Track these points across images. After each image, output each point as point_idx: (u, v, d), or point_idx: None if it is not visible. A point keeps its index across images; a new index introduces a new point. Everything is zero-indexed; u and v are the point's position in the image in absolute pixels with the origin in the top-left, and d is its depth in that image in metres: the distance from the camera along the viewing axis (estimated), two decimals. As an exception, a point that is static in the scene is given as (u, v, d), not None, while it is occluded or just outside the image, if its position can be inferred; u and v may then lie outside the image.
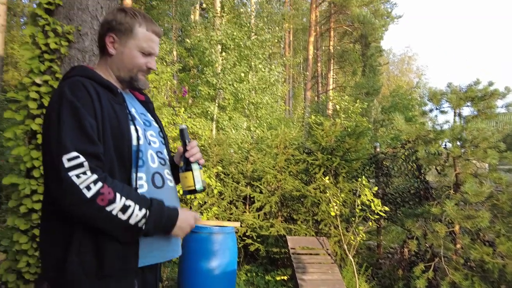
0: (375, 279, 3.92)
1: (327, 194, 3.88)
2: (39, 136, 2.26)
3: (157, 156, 1.20)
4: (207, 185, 1.14)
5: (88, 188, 0.95)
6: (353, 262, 3.45)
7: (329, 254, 3.65)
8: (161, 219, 1.07)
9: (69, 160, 0.95)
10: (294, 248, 3.62)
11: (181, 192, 1.36)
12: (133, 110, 1.19)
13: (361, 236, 3.54)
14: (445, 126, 3.46)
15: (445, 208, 3.12)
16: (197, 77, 11.46)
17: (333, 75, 27.24)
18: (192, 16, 15.69)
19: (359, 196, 3.37)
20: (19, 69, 15.56)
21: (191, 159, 1.22)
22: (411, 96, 20.33)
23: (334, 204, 3.63)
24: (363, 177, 3.32)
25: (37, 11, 2.46)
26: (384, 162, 4.58)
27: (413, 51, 68.16)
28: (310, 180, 4.56)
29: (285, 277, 3.75)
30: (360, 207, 3.35)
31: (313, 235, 4.06)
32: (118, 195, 0.98)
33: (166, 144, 1.31)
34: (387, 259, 4.12)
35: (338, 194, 3.81)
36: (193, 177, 1.20)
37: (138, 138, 1.11)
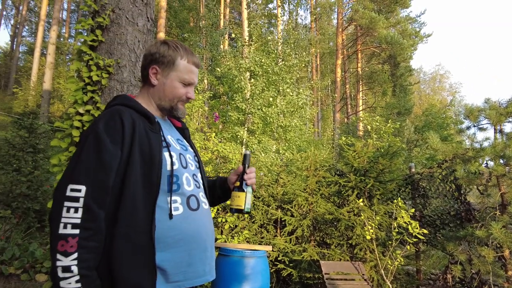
0: (417, 308, 3.68)
1: (362, 217, 3.76)
2: (81, 161, 2.41)
3: (193, 179, 1.25)
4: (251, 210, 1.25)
5: (65, 226, 0.97)
6: (391, 289, 3.28)
7: (365, 280, 3.49)
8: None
9: (72, 190, 1.00)
10: (328, 273, 3.50)
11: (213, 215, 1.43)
12: (169, 137, 1.24)
13: (398, 260, 3.37)
14: (485, 144, 3.31)
15: (491, 231, 2.92)
16: (227, 103, 11.76)
17: (362, 97, 26.96)
18: (221, 46, 16.34)
19: (395, 218, 3.23)
20: (64, 101, 16.74)
21: (248, 182, 1.31)
22: (445, 115, 19.58)
23: (370, 227, 3.51)
24: (399, 198, 3.20)
25: (82, 48, 2.68)
26: (420, 183, 4.40)
27: (445, 69, 66.40)
28: (343, 203, 4.45)
29: (320, 304, 3.61)
30: (396, 230, 3.21)
31: (347, 260, 3.92)
32: (75, 255, 0.97)
33: (201, 167, 1.35)
34: (429, 285, 3.86)
35: (373, 217, 3.69)
36: (245, 198, 1.29)
37: (172, 164, 1.16)
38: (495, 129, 3.39)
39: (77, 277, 0.96)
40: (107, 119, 1.11)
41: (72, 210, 0.98)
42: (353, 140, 4.80)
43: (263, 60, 9.76)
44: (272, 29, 26.68)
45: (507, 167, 3.11)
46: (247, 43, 10.74)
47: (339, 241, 4.07)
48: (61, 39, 25.78)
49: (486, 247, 3.16)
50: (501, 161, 3.35)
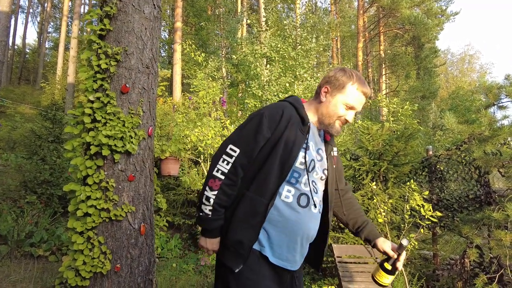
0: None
1: (375, 201, 3.71)
2: (92, 147, 2.50)
3: (312, 184, 1.40)
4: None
5: (217, 170, 1.33)
6: (404, 272, 3.24)
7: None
8: (205, 225, 1.39)
9: (231, 149, 1.34)
10: (340, 257, 3.50)
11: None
12: (311, 143, 1.42)
13: (412, 243, 3.31)
14: (505, 122, 3.16)
15: (508, 213, 2.82)
16: (245, 91, 11.75)
17: (385, 80, 26.15)
18: (239, 33, 16.25)
19: (408, 201, 3.17)
20: (87, 94, 17.19)
21: (398, 267, 1.43)
22: (474, 97, 18.70)
23: (382, 210, 3.46)
24: (412, 181, 3.12)
25: (92, 37, 2.75)
26: (437, 166, 4.27)
27: (475, 49, 63.02)
28: (358, 187, 4.40)
29: (332, 287, 3.62)
30: (409, 213, 3.15)
31: (361, 244, 3.89)
32: (216, 192, 1.32)
33: (328, 181, 1.50)
34: (446, 270, 3.78)
35: (386, 200, 3.63)
36: (388, 278, 1.45)
37: (301, 163, 1.36)
38: (516, 107, 3.22)
39: (210, 207, 1.34)
40: (272, 108, 1.38)
41: (225, 162, 1.33)
42: (370, 123, 4.70)
43: (279, 45, 9.63)
44: (291, 13, 26.16)
45: (527, 147, 2.96)
46: (263, 29, 10.61)
47: (353, 224, 4.04)
48: (84, 33, 26.47)
49: (505, 230, 3.05)
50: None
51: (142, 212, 2.70)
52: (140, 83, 2.81)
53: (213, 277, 3.96)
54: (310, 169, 1.38)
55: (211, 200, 1.33)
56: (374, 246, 1.54)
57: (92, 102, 2.60)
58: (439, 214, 2.98)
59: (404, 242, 1.40)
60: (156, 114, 3.00)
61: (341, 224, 4.25)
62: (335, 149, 1.56)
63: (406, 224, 3.23)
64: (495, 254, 3.20)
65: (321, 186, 1.46)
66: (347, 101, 1.40)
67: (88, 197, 2.44)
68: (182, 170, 5.44)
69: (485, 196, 3.82)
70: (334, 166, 1.53)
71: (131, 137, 2.61)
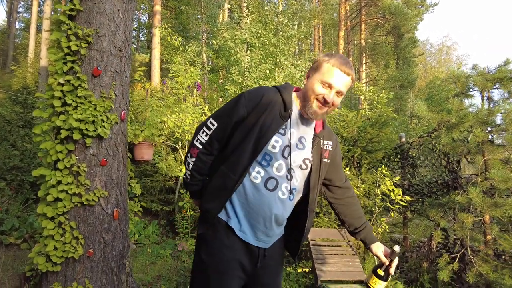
0: (400, 272, 3.80)
1: (349, 186, 3.81)
2: (62, 131, 2.44)
3: (287, 171, 1.40)
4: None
5: (197, 140, 1.46)
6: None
7: (350, 246, 3.59)
8: (186, 187, 1.58)
9: (210, 122, 1.43)
10: (314, 240, 3.60)
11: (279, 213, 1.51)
12: (292, 130, 1.40)
13: (383, 227, 3.44)
14: (471, 110, 3.29)
15: (470, 196, 2.96)
16: (225, 77, 11.65)
17: (365, 69, 26.46)
18: (220, 18, 15.97)
19: (379, 186, 3.28)
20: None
21: (390, 271, 1.46)
22: (449, 87, 19.21)
23: (355, 195, 3.56)
24: (383, 166, 3.22)
25: (61, 17, 2.65)
26: (410, 152, 4.42)
27: (453, 40, 64.46)
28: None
29: (307, 269, 3.74)
30: (380, 197, 3.26)
31: (334, 227, 4.01)
32: (194, 159, 1.46)
33: (310, 173, 1.46)
34: (414, 252, 3.97)
35: (359, 185, 3.74)
36: (381, 284, 1.48)
37: (273, 147, 1.36)
38: (482, 96, 3.35)
39: (189, 172, 1.49)
40: (254, 90, 1.42)
41: (204, 133, 1.44)
42: (346, 111, 4.78)
43: (260, 32, 9.55)
44: None
45: (490, 134, 3.10)
46: (244, 15, 10.48)
47: (328, 209, 4.15)
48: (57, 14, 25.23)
49: (467, 212, 3.21)
50: (489, 129, 3.34)
51: (115, 197, 2.68)
52: (112, 66, 2.74)
53: (190, 262, 4.00)
54: (285, 156, 1.37)
55: (190, 166, 1.47)
56: (369, 249, 1.60)
57: (62, 85, 2.52)
58: (408, 198, 3.11)
59: (396, 248, 1.44)
60: (129, 98, 2.95)
61: (316, 209, 4.37)
62: (329, 142, 1.52)
63: (377, 208, 3.35)
64: (459, 235, 3.38)
65: (301, 175, 1.44)
66: (323, 78, 1.36)
67: (59, 182, 2.40)
68: (159, 156, 5.39)
69: (452, 182, 4.00)
70: (325, 160, 1.50)
71: (103, 121, 2.56)
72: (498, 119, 3.24)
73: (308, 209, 1.49)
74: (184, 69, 6.33)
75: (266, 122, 1.36)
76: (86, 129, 2.47)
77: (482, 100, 3.40)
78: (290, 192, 1.42)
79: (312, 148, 1.45)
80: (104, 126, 2.56)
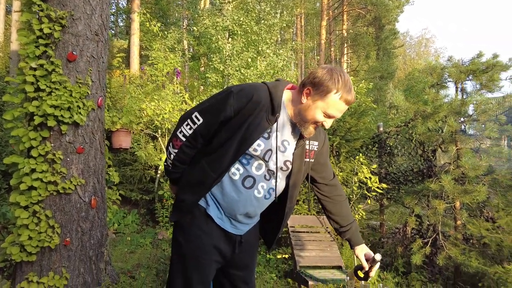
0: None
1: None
2: (36, 118, 2.36)
3: (267, 172, 1.41)
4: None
5: (180, 132, 1.43)
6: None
7: (328, 232, 3.68)
8: (167, 174, 1.59)
9: (195, 116, 1.39)
10: (293, 227, 3.67)
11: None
12: (277, 134, 1.38)
13: (360, 214, 3.54)
14: (445, 101, 3.39)
15: (443, 183, 3.08)
16: (207, 65, 11.50)
17: (347, 60, 26.67)
18: (202, 4, 15.65)
19: (356, 173, 3.36)
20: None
21: (371, 274, 1.53)
22: (427, 79, 19.67)
23: (333, 183, 3.63)
24: (360, 154, 3.30)
25: (32, -2, 2.53)
26: (387, 142, 4.53)
27: (431, 33, 65.89)
28: (313, 161, 4.56)
29: (286, 255, 3.81)
30: (357, 185, 3.34)
31: (313, 214, 4.10)
32: (177, 151, 1.45)
33: (291, 174, 1.46)
34: (390, 238, 4.11)
35: (337, 173, 3.81)
36: (361, 283, 1.61)
37: (255, 150, 1.35)
38: (456, 87, 3.46)
39: (171, 162, 1.49)
40: (243, 89, 1.36)
41: (189, 126, 1.41)
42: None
43: (242, 19, 9.43)
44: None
45: (462, 124, 3.22)
46: (225, 1, 10.31)
47: (307, 197, 4.23)
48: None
49: (440, 199, 3.34)
50: (462, 119, 3.46)
51: (93, 185, 2.63)
52: (88, 51, 2.66)
53: (170, 250, 4.00)
54: (266, 159, 1.38)
55: (172, 156, 1.48)
56: (353, 250, 1.65)
57: (35, 69, 2.43)
58: (384, 185, 3.20)
59: (377, 257, 1.48)
60: (106, 85, 2.87)
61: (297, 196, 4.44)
62: (315, 143, 1.50)
63: (354, 196, 3.44)
64: (432, 221, 3.52)
65: (281, 176, 1.45)
66: (327, 110, 1.31)
67: (33, 170, 2.33)
68: (138, 145, 5.31)
69: (427, 170, 4.14)
70: (309, 159, 1.49)
71: (79, 108, 2.50)
72: (470, 110, 3.36)
73: (285, 207, 1.50)
74: (164, 56, 6.19)
75: (252, 125, 1.34)
76: (62, 116, 2.40)
77: (456, 91, 3.51)
78: (268, 191, 1.43)
79: (295, 150, 1.43)
80: (80, 113, 2.49)
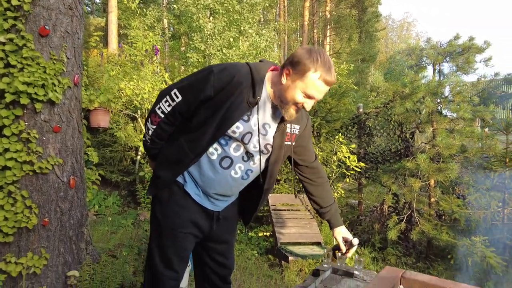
0: (354, 234, 4.07)
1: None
2: (7, 95, 2.27)
3: (245, 153, 1.41)
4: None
5: (159, 108, 1.41)
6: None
7: (308, 210, 3.77)
8: (145, 150, 1.59)
9: (175, 94, 1.37)
10: (274, 205, 3.74)
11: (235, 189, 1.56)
12: (259, 117, 1.36)
13: (339, 192, 3.63)
14: (423, 82, 3.47)
15: (419, 162, 3.19)
16: (187, 44, 11.24)
17: (329, 42, 26.61)
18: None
19: (336, 153, 3.43)
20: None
21: (347, 255, 1.61)
22: (408, 62, 19.95)
23: (314, 162, 3.70)
24: (340, 134, 3.36)
25: (-2, -33, 2.38)
26: (366, 123, 4.62)
27: (413, 17, 66.41)
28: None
29: (267, 233, 3.89)
30: (336, 163, 3.42)
31: (294, 193, 4.18)
32: (155, 127, 1.44)
33: (270, 157, 1.46)
34: (367, 216, 4.26)
35: (317, 153, 3.88)
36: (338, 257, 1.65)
37: (233, 132, 1.35)
38: (434, 68, 3.54)
39: (149, 137, 1.48)
40: (225, 69, 1.34)
41: (167, 103, 1.39)
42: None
43: (223, -3, 9.21)
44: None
45: (439, 105, 3.32)
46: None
47: (288, 176, 4.30)
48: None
49: (416, 178, 3.47)
50: (439, 100, 3.56)
51: (71, 165, 2.58)
52: (62, 26, 2.55)
53: (152, 230, 4.01)
54: (246, 142, 1.37)
55: (150, 132, 1.46)
56: (332, 231, 1.68)
57: (4, 44, 2.31)
58: (362, 165, 3.29)
59: (355, 241, 1.55)
60: (82, 62, 2.78)
61: (277, 176, 4.50)
62: (297, 127, 1.49)
63: (333, 174, 3.52)
64: (407, 199, 3.66)
65: (262, 159, 1.44)
66: (306, 90, 1.28)
67: (6, 150, 2.25)
68: (118, 125, 5.20)
69: (405, 150, 4.27)
70: (288, 143, 1.48)
71: (54, 85, 2.41)
72: (447, 91, 3.46)
73: (264, 187, 1.51)
74: (143, 35, 6.01)
75: (232, 107, 1.32)
76: (36, 93, 2.31)
77: (434, 72, 3.59)
78: (245, 172, 1.44)
79: (275, 133, 1.42)
80: (55, 91, 2.41)
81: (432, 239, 3.10)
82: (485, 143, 3.26)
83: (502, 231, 3.17)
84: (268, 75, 1.39)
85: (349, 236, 1.63)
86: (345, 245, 1.60)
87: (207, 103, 1.34)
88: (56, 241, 2.48)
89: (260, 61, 1.43)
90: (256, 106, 1.35)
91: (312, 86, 1.28)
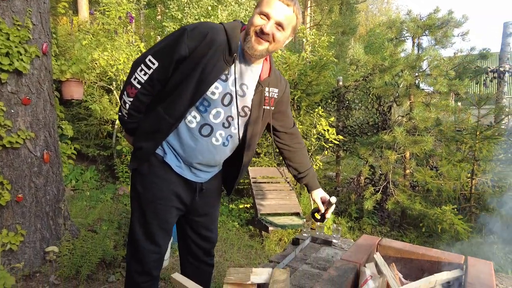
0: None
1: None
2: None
3: (226, 119, 1.37)
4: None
5: (135, 79, 1.34)
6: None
7: (288, 182, 3.84)
8: (122, 124, 1.52)
9: (150, 60, 1.31)
10: (255, 178, 3.78)
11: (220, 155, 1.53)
12: (235, 76, 1.33)
13: (318, 164, 3.70)
14: (402, 55, 3.49)
15: (395, 135, 3.27)
16: (164, 13, 10.76)
17: (310, 13, 26.15)
18: None
19: (315, 126, 3.46)
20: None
21: (327, 216, 1.62)
22: (388, 36, 19.98)
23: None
24: (319, 107, 3.37)
25: None
26: (346, 96, 4.65)
27: (394, -11, 65.82)
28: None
29: (248, 205, 3.95)
30: (315, 136, 3.46)
31: (274, 166, 4.22)
32: (132, 99, 1.37)
33: (249, 120, 1.43)
34: (345, 187, 4.38)
35: (297, 126, 3.90)
36: (317, 224, 1.73)
37: (212, 93, 1.30)
38: (413, 42, 3.56)
39: (126, 111, 1.41)
40: (198, 27, 1.29)
41: (143, 72, 1.32)
42: (289, 54, 4.78)
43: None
44: None
45: (416, 79, 3.36)
46: None
47: (268, 150, 4.32)
48: None
49: (392, 150, 3.57)
50: (416, 74, 3.61)
51: (44, 139, 2.48)
52: (25, -11, 2.36)
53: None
54: (225, 104, 1.34)
55: (127, 106, 1.39)
56: (310, 194, 1.71)
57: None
58: (341, 137, 3.34)
59: (332, 199, 1.56)
60: (51, 29, 2.61)
61: (257, 150, 4.52)
62: (275, 90, 1.46)
63: (312, 147, 3.57)
64: (384, 171, 3.78)
65: (240, 122, 1.42)
66: (261, 9, 1.24)
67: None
68: (92, 98, 5.01)
69: (382, 123, 4.35)
70: (267, 107, 1.46)
71: (20, 54, 2.27)
72: (424, 65, 3.50)
73: (244, 155, 1.51)
74: (116, 2, 5.68)
75: (208, 65, 1.27)
76: (0, 63, 2.17)
77: (413, 46, 3.61)
78: (226, 138, 1.42)
79: (253, 95, 1.39)
80: (22, 60, 2.27)
81: (406, 208, 3.25)
82: (458, 117, 3.38)
83: (469, 200, 3.36)
84: (242, 34, 1.32)
85: (326, 196, 1.66)
86: (323, 205, 1.64)
87: (182, 63, 1.29)
88: (32, 217, 2.43)
89: (234, 20, 1.39)
90: (234, 64, 1.31)
91: (266, 4, 1.24)
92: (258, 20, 1.25)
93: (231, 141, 1.45)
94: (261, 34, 1.26)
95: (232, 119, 1.39)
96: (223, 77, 1.31)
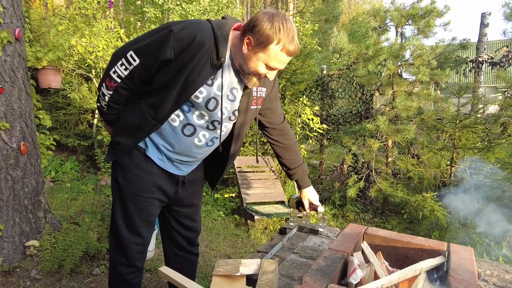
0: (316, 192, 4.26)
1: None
2: None
3: (210, 122, 1.35)
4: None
5: (114, 72, 1.29)
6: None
7: (273, 171, 3.85)
8: (101, 115, 1.47)
9: (131, 56, 1.25)
10: (240, 167, 3.77)
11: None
12: (221, 80, 1.28)
13: (302, 153, 3.72)
14: (386, 44, 3.52)
15: (378, 124, 3.32)
16: (144, -2, 10.42)
17: (293, 0, 25.90)
18: None
19: (300, 115, 3.46)
20: None
21: (308, 211, 1.69)
22: (370, 25, 20.11)
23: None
24: (304, 97, 3.37)
25: None
26: (330, 85, 4.67)
27: (376, -24, 66.12)
28: (259, 104, 4.58)
29: (233, 194, 3.95)
30: (300, 125, 3.46)
31: (260, 155, 4.22)
32: (111, 92, 1.32)
33: (236, 123, 1.43)
34: (328, 175, 4.44)
35: (283, 116, 3.90)
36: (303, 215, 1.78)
37: (196, 97, 1.28)
38: (396, 31, 3.58)
39: (106, 103, 1.37)
40: (186, 28, 1.22)
41: (124, 66, 1.27)
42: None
43: None
44: None
45: (399, 68, 3.40)
46: None
47: (253, 139, 4.31)
48: None
49: (375, 139, 3.62)
50: (399, 63, 3.65)
51: (20, 129, 2.38)
52: (-5, -30, 2.22)
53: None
54: (211, 108, 1.31)
55: (106, 98, 1.36)
56: (300, 192, 1.71)
57: None
58: (325, 126, 3.36)
59: (320, 209, 1.59)
60: (23, 14, 2.47)
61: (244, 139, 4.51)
62: (263, 89, 1.44)
63: (297, 136, 3.58)
64: (366, 159, 3.84)
65: (228, 125, 1.41)
66: (269, 62, 1.22)
67: None
68: (71, 86, 4.84)
69: (365, 112, 4.41)
70: (254, 107, 1.44)
71: (-8, 40, 2.15)
72: (407, 54, 3.54)
73: (229, 153, 1.49)
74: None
75: (195, 69, 1.23)
76: (-31, 49, 2.05)
77: (396, 35, 3.64)
78: (211, 140, 1.40)
79: (241, 97, 1.37)
80: (-7, 46, 2.15)
81: (388, 196, 3.32)
82: (439, 106, 3.45)
83: (448, 187, 3.46)
84: (232, 34, 1.29)
85: (315, 198, 1.67)
86: (309, 207, 1.66)
87: (168, 66, 1.24)
88: (9, 211, 2.35)
89: (223, 17, 1.33)
90: (221, 69, 1.27)
91: (274, 58, 1.21)
92: (263, 70, 1.25)
93: (217, 142, 1.44)
94: (264, 77, 1.30)
95: (218, 123, 1.36)
96: (209, 81, 1.28)
